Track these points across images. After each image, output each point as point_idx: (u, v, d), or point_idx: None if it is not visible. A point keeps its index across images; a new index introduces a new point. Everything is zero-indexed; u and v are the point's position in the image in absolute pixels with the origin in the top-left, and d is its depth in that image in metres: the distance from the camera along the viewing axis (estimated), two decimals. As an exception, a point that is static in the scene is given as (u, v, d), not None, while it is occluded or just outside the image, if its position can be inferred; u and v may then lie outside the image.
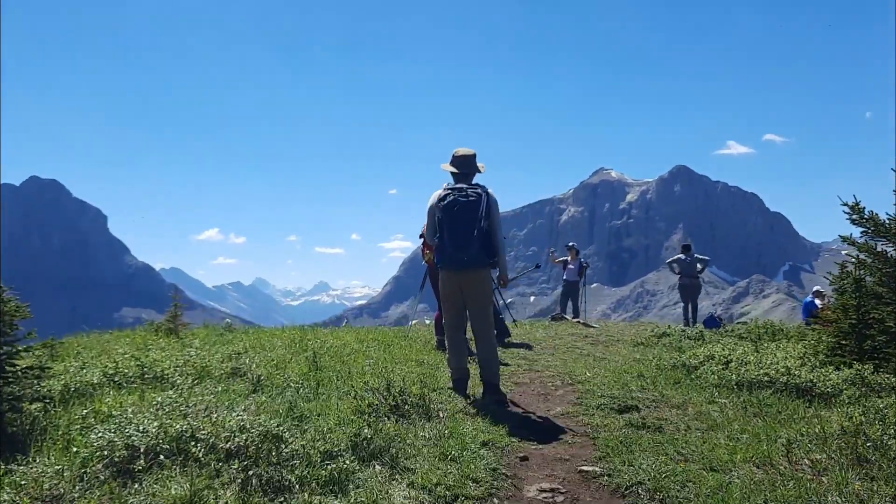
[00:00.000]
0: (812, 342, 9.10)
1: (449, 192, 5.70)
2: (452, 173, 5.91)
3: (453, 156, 5.91)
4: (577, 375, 6.90)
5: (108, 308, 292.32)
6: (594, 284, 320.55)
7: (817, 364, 7.22)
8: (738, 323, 20.73)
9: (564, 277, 16.36)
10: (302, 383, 5.80)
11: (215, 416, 4.00)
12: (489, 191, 5.71)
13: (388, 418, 4.73)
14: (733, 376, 6.70)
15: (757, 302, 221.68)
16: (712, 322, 14.55)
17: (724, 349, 7.66)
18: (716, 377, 6.77)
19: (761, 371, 6.69)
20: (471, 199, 5.58)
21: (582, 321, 13.38)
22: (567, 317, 13.85)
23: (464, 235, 5.55)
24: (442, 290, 5.94)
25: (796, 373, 6.60)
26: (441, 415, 4.99)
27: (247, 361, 6.58)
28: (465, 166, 5.85)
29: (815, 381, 6.43)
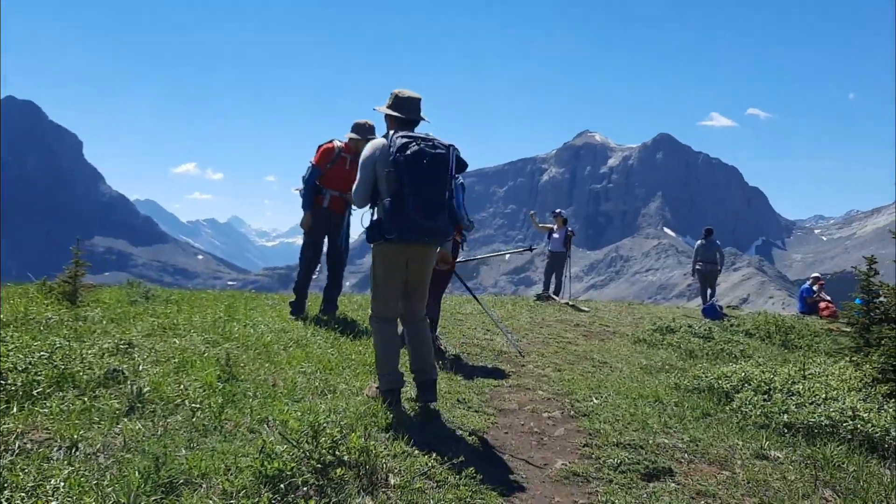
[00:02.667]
0: (854, 359, 7.58)
1: (412, 140, 4.34)
2: (395, 118, 4.61)
3: (396, 96, 4.62)
4: (580, 400, 5.24)
5: (80, 235, 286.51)
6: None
7: (880, 398, 5.67)
8: (730, 308, 19.41)
9: (549, 248, 14.74)
10: (202, 402, 4.09)
11: None
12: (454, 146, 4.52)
13: (309, 491, 3.06)
14: (783, 415, 5.12)
15: (727, 274, 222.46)
16: (713, 312, 13.04)
17: (762, 371, 6.06)
18: (759, 414, 5.18)
19: (818, 410, 5.11)
20: (439, 151, 4.37)
21: (570, 303, 11.77)
22: (554, 297, 12.24)
23: (434, 198, 4.32)
24: (385, 269, 4.56)
25: (864, 415, 5.04)
26: (391, 481, 3.33)
27: (136, 359, 4.84)
28: (412, 111, 4.60)
29: (889, 428, 4.89)
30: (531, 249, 6.72)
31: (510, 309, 10.69)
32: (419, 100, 4.65)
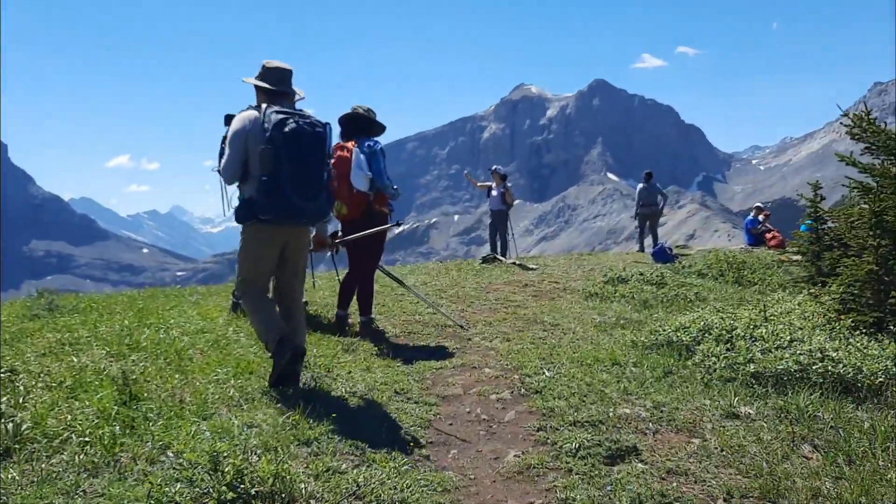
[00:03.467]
0: (811, 291, 7.31)
1: (289, 116, 4.11)
2: (264, 90, 4.35)
3: (265, 66, 4.38)
4: (530, 375, 4.76)
5: (15, 241, 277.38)
6: (516, 201, 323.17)
7: (845, 333, 5.35)
8: (679, 247, 19.31)
9: (490, 207, 14.26)
10: (93, 434, 3.48)
11: None
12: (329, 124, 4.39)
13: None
14: (748, 364, 4.73)
15: (672, 213, 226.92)
16: (663, 255, 12.77)
17: (722, 318, 5.67)
18: (724, 366, 4.79)
19: (785, 355, 4.74)
20: (318, 129, 4.21)
21: (518, 262, 11.32)
22: (501, 258, 11.78)
23: (313, 178, 4.20)
24: (257, 251, 4.34)
25: (833, 355, 4.69)
26: (313, 512, 2.79)
27: (19, 389, 4.17)
28: (282, 82, 4.37)
29: (861, 366, 4.55)
30: (398, 224, 6.38)
31: (455, 276, 10.20)
32: (290, 71, 4.43)
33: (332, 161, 5.62)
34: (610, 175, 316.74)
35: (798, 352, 4.80)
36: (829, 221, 10.86)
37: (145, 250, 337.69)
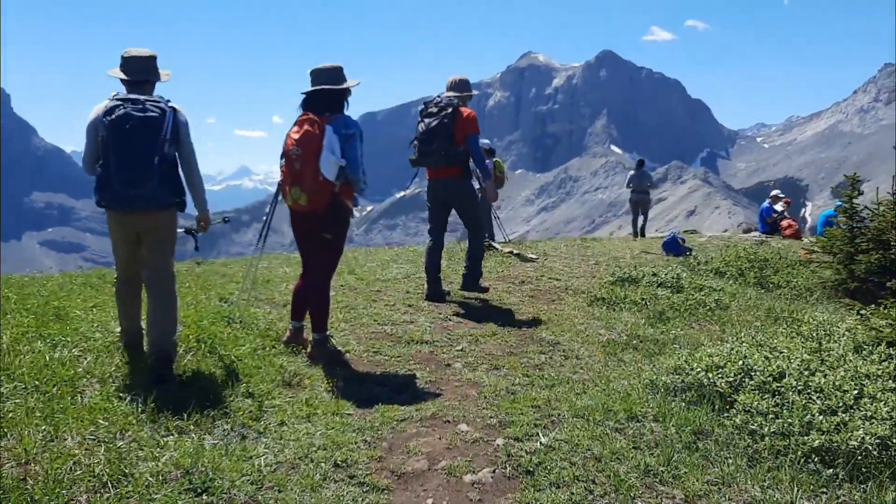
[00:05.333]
0: (862, 313, 6.14)
1: (119, 103, 4.14)
2: (123, 81, 4.37)
3: (122, 58, 4.40)
4: (521, 439, 3.57)
5: (17, 192, 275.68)
6: (518, 171, 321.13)
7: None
8: (687, 232, 18.13)
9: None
10: None
11: None
12: (177, 106, 4.31)
13: None
14: (808, 433, 3.58)
15: (674, 188, 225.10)
16: (674, 246, 11.57)
17: (766, 357, 4.49)
18: (774, 431, 3.64)
19: (855, 422, 3.59)
20: (150, 114, 4.15)
21: (516, 251, 10.12)
22: (496, 245, 10.56)
23: (139, 164, 4.11)
24: (112, 237, 4.49)
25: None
26: None
27: None
28: (139, 71, 4.37)
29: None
30: (226, 221, 5.85)
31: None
32: (145, 58, 4.38)
33: (297, 137, 4.53)
34: (613, 147, 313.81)
35: (871, 415, 3.66)
36: (868, 219, 9.70)
37: None
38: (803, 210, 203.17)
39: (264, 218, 5.70)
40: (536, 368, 4.90)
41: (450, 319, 6.18)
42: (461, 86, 7.00)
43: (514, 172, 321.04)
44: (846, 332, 5.64)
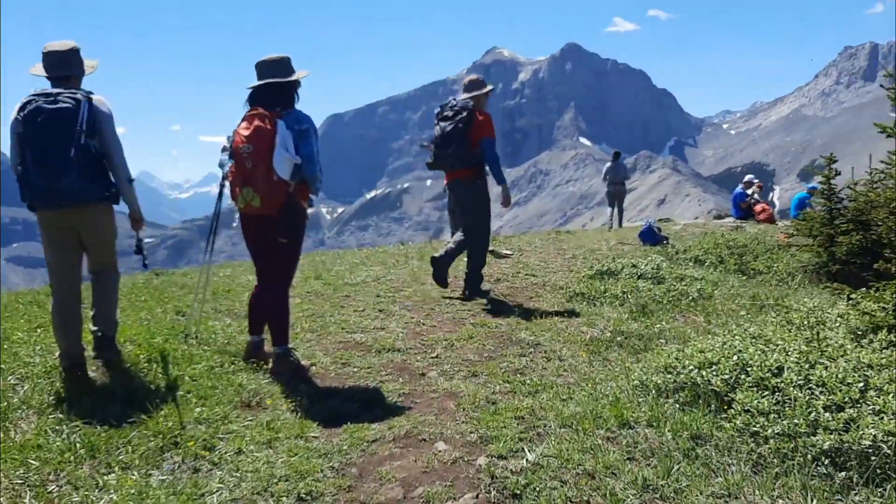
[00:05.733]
0: (852, 298, 5.92)
1: (33, 97, 3.98)
2: (47, 78, 4.22)
3: (42, 53, 4.22)
4: (505, 456, 3.19)
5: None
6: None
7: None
8: (662, 221, 17.97)
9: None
10: None
11: None
12: (95, 97, 4.12)
13: None
14: (815, 432, 3.30)
15: (644, 177, 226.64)
16: (651, 236, 11.33)
17: (763, 350, 4.20)
18: (778, 433, 3.35)
19: (868, 418, 3.31)
20: (62, 105, 3.97)
21: (490, 248, 9.75)
22: None
23: (54, 158, 3.93)
24: (44, 239, 4.23)
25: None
26: None
27: None
28: (58, 66, 4.18)
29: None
30: (140, 251, 5.32)
31: (415, 268, 8.64)
32: (65, 52, 4.20)
33: (247, 133, 4.17)
34: (582, 140, 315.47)
35: (880, 409, 3.39)
36: (847, 200, 9.51)
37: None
38: (771, 194, 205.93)
39: (213, 225, 5.33)
40: (517, 373, 4.57)
41: (423, 324, 5.82)
42: (474, 85, 7.06)
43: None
44: (838, 319, 5.40)
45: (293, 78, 4.50)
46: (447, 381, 4.39)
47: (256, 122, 4.24)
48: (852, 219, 8.97)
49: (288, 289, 4.55)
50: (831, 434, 3.28)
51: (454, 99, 7.02)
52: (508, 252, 9.72)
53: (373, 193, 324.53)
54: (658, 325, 5.91)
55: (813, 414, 3.44)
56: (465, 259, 7.11)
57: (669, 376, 4.11)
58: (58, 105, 3.95)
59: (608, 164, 18.08)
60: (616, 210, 17.71)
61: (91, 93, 4.16)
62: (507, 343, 5.32)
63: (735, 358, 4.10)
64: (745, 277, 8.78)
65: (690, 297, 7.09)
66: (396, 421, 3.69)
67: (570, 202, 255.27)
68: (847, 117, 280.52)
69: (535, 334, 5.55)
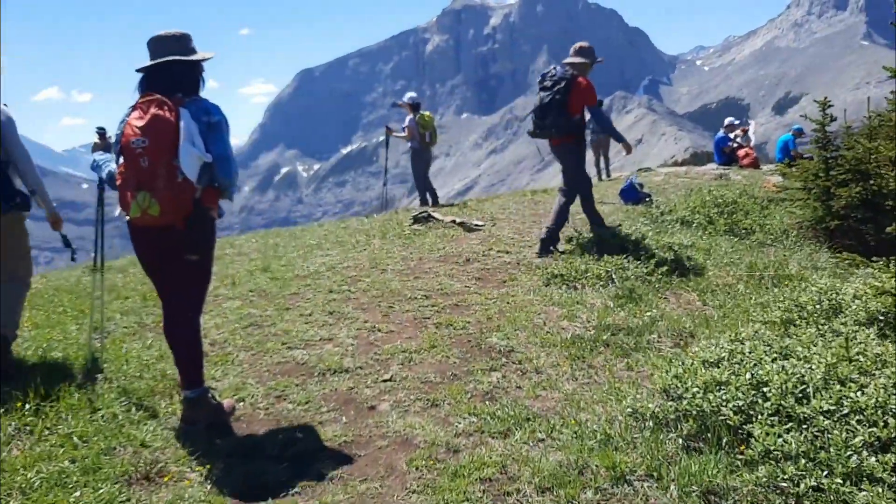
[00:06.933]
0: (869, 268, 5.21)
1: None
2: None
3: None
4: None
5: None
6: (464, 115, 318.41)
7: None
8: (641, 171, 17.19)
9: (412, 146, 11.83)
10: None
11: None
12: None
13: None
14: (856, 480, 2.59)
15: (620, 118, 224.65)
16: (632, 193, 10.54)
17: (783, 369, 3.43)
18: (813, 485, 2.64)
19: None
20: None
21: (459, 220, 8.91)
22: (436, 215, 9.26)
23: None
24: None
25: None
26: None
27: None
28: None
29: None
30: (67, 245, 5.01)
31: (376, 250, 7.81)
32: None
33: (142, 124, 3.33)
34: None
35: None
36: (843, 148, 8.75)
37: (85, 185, 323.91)
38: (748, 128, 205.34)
39: (98, 241, 4.51)
40: (486, 398, 3.81)
41: (378, 330, 5.01)
42: (581, 53, 7.27)
43: (459, 117, 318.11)
44: (855, 300, 4.68)
45: (197, 58, 3.61)
46: (400, 416, 3.62)
47: (154, 111, 3.36)
48: (851, 169, 8.24)
49: (198, 318, 3.70)
50: (881, 487, 2.58)
51: (555, 68, 7.21)
52: (480, 223, 8.91)
53: (349, 148, 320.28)
54: (648, 313, 5.17)
55: (853, 458, 2.72)
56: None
57: (670, 403, 3.37)
58: None
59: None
60: (603, 159, 16.94)
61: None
62: (475, 351, 4.55)
63: (748, 375, 3.36)
64: (735, 239, 8.06)
65: (680, 272, 6.37)
66: (330, 489, 2.92)
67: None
68: (820, 47, 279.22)
69: (508, 336, 4.78)
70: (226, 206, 3.76)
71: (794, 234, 8.42)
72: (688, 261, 6.65)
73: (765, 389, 3.25)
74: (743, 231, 8.37)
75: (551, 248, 7.18)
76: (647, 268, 6.31)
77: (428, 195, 11.83)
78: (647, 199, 10.44)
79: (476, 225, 8.78)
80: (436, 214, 9.17)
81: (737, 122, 17.57)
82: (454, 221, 8.83)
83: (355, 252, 7.73)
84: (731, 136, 17.05)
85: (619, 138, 7.82)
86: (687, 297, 5.81)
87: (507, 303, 5.62)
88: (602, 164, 16.99)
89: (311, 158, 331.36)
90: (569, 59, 7.26)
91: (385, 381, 4.09)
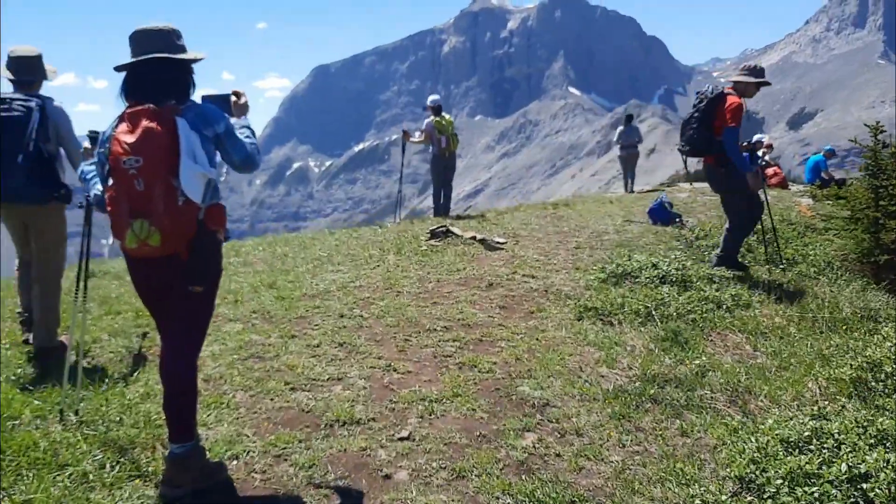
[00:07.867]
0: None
1: None
2: (10, 81, 4.43)
3: (8, 57, 4.44)
4: None
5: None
6: (477, 117, 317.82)
7: None
8: (664, 185, 16.61)
9: (432, 151, 11.33)
10: None
11: None
12: (50, 103, 4.38)
13: None
14: None
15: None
16: (662, 213, 9.97)
17: (886, 461, 2.89)
18: None
19: None
20: (15, 113, 4.23)
21: (480, 236, 8.33)
22: (455, 229, 8.67)
23: (7, 160, 4.20)
24: (5, 225, 4.59)
25: None
26: None
27: None
28: (24, 71, 4.47)
29: None
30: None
31: (391, 267, 7.25)
32: (31, 57, 4.48)
33: (133, 140, 2.79)
34: (571, 89, 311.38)
35: None
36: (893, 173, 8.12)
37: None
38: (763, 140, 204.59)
39: (82, 263, 3.98)
40: (522, 471, 3.24)
41: (393, 369, 4.46)
42: (748, 72, 6.84)
43: (472, 119, 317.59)
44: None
45: (188, 56, 3.06)
46: (421, 491, 3.05)
47: (146, 123, 2.79)
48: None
49: (195, 360, 3.14)
50: None
51: (711, 86, 6.82)
52: (501, 241, 8.35)
53: (361, 146, 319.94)
54: (697, 361, 4.60)
55: None
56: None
57: (750, 499, 2.80)
58: (10, 113, 4.27)
59: (620, 127, 17.22)
60: (629, 175, 17.12)
61: (50, 99, 4.43)
62: (504, 403, 3.99)
63: (843, 467, 2.78)
64: (778, 270, 7.47)
65: (725, 307, 5.80)
66: None
67: (559, 153, 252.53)
68: (837, 64, 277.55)
69: (542, 384, 4.22)
70: (236, 200, 3.21)
71: (839, 267, 7.82)
72: (732, 297, 6.06)
73: (865, 486, 2.68)
74: (785, 261, 7.77)
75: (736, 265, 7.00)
76: (688, 302, 5.74)
77: (441, 199, 11.37)
78: (678, 221, 9.87)
79: (497, 243, 8.21)
80: (454, 229, 8.60)
81: (764, 138, 16.94)
82: (474, 238, 8.26)
83: (368, 269, 7.18)
84: (759, 153, 16.42)
85: (744, 167, 6.57)
86: (734, 340, 5.24)
87: (537, 339, 5.06)
88: (629, 180, 17.19)
89: (323, 154, 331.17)
90: (734, 77, 6.87)
91: (402, 438, 3.52)
